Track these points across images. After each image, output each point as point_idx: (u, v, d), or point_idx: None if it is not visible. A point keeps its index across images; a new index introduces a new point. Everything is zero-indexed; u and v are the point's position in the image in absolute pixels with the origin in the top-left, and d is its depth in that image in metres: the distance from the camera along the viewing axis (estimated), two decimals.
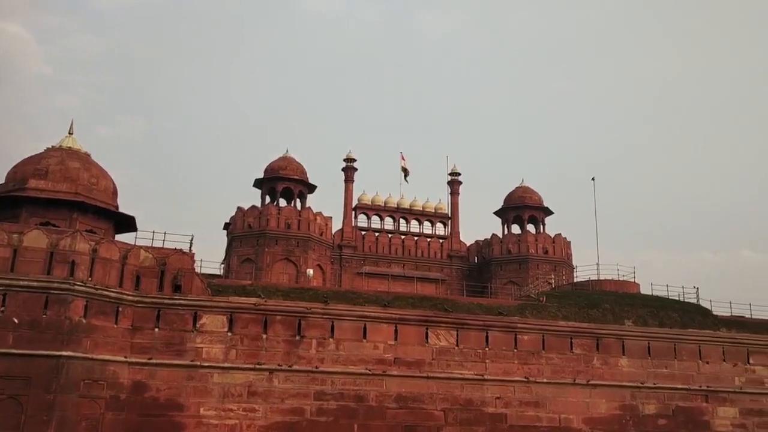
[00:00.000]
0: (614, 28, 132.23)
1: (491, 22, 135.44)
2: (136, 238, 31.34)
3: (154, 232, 31.06)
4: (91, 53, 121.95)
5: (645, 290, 40.42)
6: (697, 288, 39.82)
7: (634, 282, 41.48)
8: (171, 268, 28.99)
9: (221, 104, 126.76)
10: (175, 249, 29.86)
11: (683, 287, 39.92)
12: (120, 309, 27.32)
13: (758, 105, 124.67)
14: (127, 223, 33.31)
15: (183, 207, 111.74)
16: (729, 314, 38.63)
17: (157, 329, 27.88)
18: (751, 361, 34.77)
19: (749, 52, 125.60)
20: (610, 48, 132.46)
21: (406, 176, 60.28)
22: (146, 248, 29.39)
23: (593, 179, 51.34)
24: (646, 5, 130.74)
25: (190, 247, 30.64)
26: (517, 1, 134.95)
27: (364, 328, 30.25)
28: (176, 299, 28.44)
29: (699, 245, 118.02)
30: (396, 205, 59.80)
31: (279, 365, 28.71)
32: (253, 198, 69.49)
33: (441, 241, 59.02)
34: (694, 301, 39.18)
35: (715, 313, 38.03)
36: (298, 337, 29.40)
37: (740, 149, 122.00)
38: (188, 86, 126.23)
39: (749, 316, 39.01)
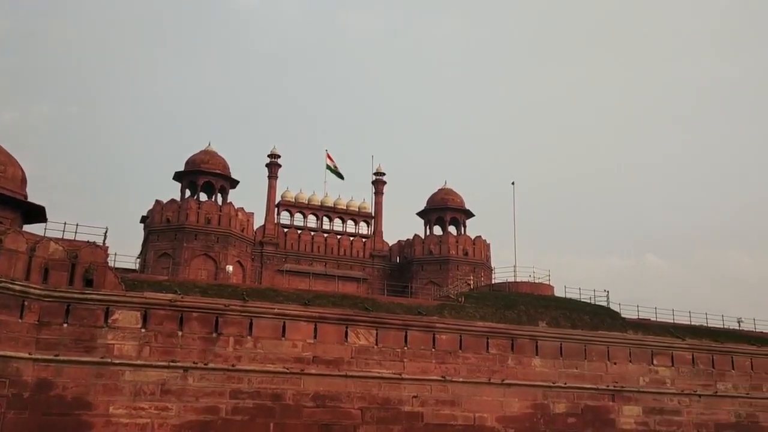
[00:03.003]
0: (533, 35, 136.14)
1: (413, 24, 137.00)
2: (45, 229, 30.00)
3: (65, 223, 29.99)
4: None
5: (559, 292, 41.77)
6: (608, 291, 41.52)
7: (549, 284, 42.76)
8: (83, 262, 27.89)
9: (140, 95, 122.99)
10: (88, 242, 28.82)
11: (594, 290, 41.56)
12: (26, 303, 26.04)
13: (667, 113, 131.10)
14: (37, 214, 31.83)
15: (97, 198, 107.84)
16: (636, 317, 40.43)
17: (65, 325, 26.74)
18: (654, 362, 36.43)
19: (654, 56, 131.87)
20: (530, 54, 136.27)
21: (338, 175, 59.99)
22: (56, 240, 28.19)
23: (513, 183, 52.58)
24: (560, 12, 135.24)
25: (104, 241, 29.71)
26: (438, 6, 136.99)
27: (284, 326, 29.97)
28: (87, 294, 27.36)
29: (609, 250, 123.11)
30: (320, 203, 59.58)
31: (194, 363, 28.08)
32: (172, 192, 67.82)
33: (364, 240, 59.19)
34: (604, 303, 40.77)
35: (623, 315, 39.69)
36: (215, 335, 28.83)
37: (646, 160, 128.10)
38: (104, 75, 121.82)
39: (654, 319, 40.95)
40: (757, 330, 43.38)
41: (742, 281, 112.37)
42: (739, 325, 43.66)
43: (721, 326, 42.50)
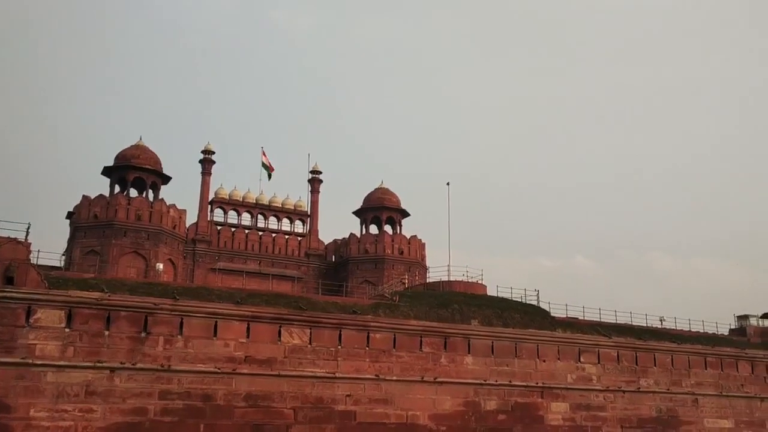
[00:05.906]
0: (471, 36, 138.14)
1: (350, 22, 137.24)
2: None
3: None
4: None
5: (491, 292, 42.56)
6: (538, 291, 42.59)
7: (482, 284, 43.51)
8: (2, 259, 26.78)
9: (68, 87, 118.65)
10: (9, 238, 27.74)
11: (525, 290, 42.56)
12: None
13: (595, 117, 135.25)
14: None
15: (20, 193, 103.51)
16: (565, 316, 41.59)
17: None
18: (581, 360, 37.45)
19: (584, 60, 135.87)
20: (464, 55, 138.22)
21: (269, 174, 59.33)
22: None
23: (448, 184, 53.20)
24: (498, 12, 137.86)
25: (26, 237, 28.67)
26: (372, 5, 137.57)
27: (215, 326, 29.42)
28: (7, 292, 26.21)
29: (538, 251, 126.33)
30: (254, 201, 58.86)
31: (122, 363, 27.27)
32: (101, 187, 65.91)
33: (299, 238, 58.80)
34: (534, 303, 41.74)
35: (553, 314, 40.75)
36: (144, 334, 28.07)
37: (574, 163, 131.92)
38: (28, 67, 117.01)
39: (582, 318, 42.21)
40: (677, 328, 45.39)
41: (664, 281, 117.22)
42: (661, 324, 45.55)
43: (645, 325, 44.19)
